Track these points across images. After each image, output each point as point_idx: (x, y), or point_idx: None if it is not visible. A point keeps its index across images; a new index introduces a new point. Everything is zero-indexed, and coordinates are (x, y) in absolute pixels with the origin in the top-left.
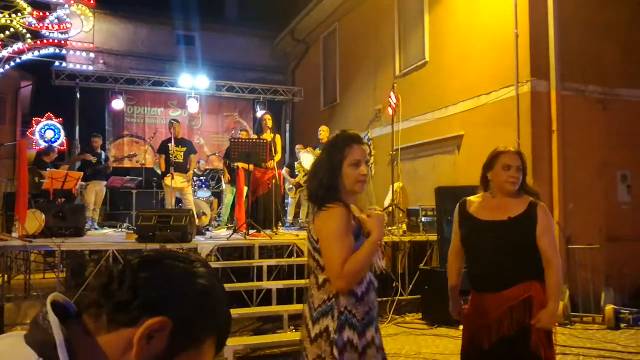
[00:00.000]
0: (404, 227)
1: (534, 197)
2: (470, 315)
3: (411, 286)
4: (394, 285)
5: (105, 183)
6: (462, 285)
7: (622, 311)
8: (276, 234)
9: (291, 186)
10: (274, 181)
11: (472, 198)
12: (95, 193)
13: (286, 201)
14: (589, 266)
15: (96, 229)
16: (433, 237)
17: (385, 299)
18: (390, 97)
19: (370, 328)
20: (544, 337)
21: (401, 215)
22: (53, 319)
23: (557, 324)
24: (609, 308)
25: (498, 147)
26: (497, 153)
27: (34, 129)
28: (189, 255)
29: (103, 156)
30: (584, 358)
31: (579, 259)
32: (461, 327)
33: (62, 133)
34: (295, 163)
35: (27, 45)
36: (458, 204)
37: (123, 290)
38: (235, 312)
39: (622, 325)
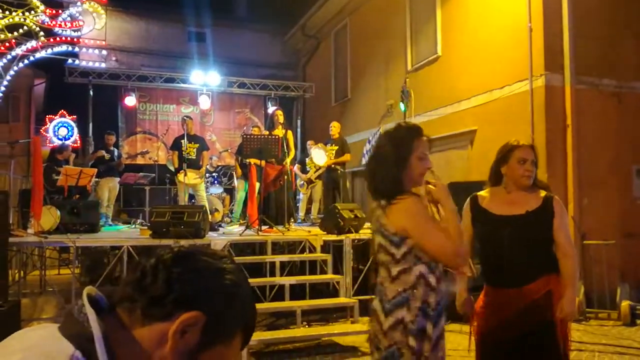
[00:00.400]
0: None
1: (546, 191)
2: (484, 311)
3: None
4: None
5: (118, 179)
6: (472, 281)
7: (637, 307)
8: (288, 230)
9: (302, 182)
10: (285, 177)
11: (481, 193)
12: (109, 189)
13: (297, 197)
14: (604, 262)
15: (110, 225)
16: None
17: None
18: (402, 92)
19: (441, 318)
20: (564, 331)
21: None
22: (90, 312)
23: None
24: (625, 304)
25: (510, 141)
26: (511, 147)
27: (48, 126)
28: (216, 251)
29: (116, 153)
30: (600, 354)
31: (594, 255)
32: (475, 323)
33: (76, 130)
34: (307, 159)
35: (40, 43)
36: (469, 199)
37: (157, 285)
38: None
39: (638, 322)
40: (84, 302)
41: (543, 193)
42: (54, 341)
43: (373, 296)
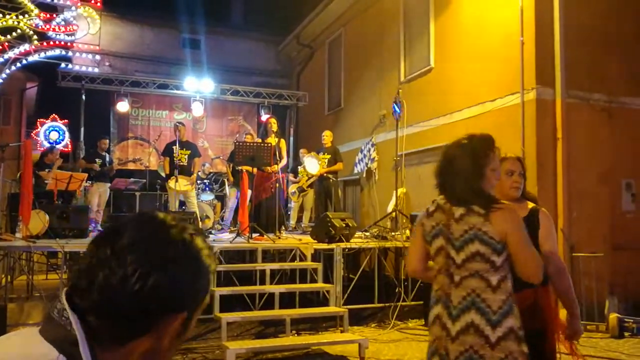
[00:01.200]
0: (408, 232)
1: (534, 203)
2: None
3: (414, 292)
4: (397, 290)
5: (109, 185)
6: None
7: (625, 320)
8: (279, 238)
9: (294, 190)
10: (277, 185)
11: None
12: (99, 194)
13: (289, 205)
14: (593, 274)
15: (99, 230)
16: None
17: (387, 304)
18: (394, 103)
19: None
20: (551, 343)
21: (404, 220)
22: (73, 316)
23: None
24: (613, 316)
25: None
26: None
27: (39, 130)
28: (172, 222)
29: (107, 158)
30: None
31: (583, 267)
32: None
33: (67, 134)
34: (299, 167)
35: (33, 47)
36: None
37: (128, 303)
38: (237, 315)
39: (626, 334)
40: (64, 306)
41: (530, 205)
42: (36, 345)
43: (364, 306)
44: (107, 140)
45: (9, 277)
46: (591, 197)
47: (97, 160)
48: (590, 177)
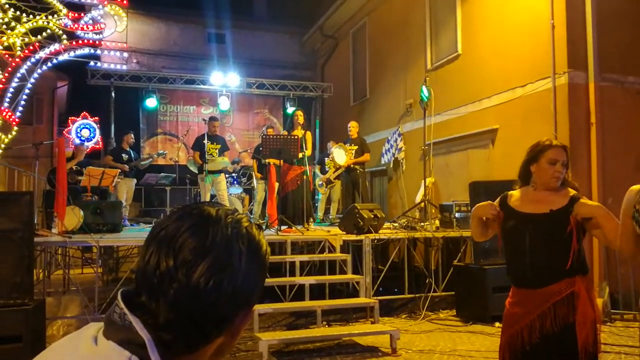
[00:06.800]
0: (437, 222)
1: (575, 191)
2: (510, 313)
3: (444, 282)
4: (427, 281)
5: (134, 180)
6: (502, 282)
7: None
8: (307, 230)
9: (321, 182)
10: (304, 177)
11: (512, 192)
12: (127, 189)
13: (316, 197)
14: (630, 262)
15: (131, 224)
16: (467, 233)
17: (418, 295)
18: (421, 91)
19: None
20: (591, 334)
21: (434, 210)
22: (135, 320)
23: (602, 323)
24: None
25: (542, 140)
26: (542, 147)
27: (70, 127)
28: (221, 224)
29: (132, 154)
30: (626, 356)
31: (619, 255)
32: (497, 324)
33: (98, 132)
34: (326, 159)
35: (62, 46)
36: (499, 198)
37: (209, 315)
38: (268, 307)
39: None
40: (124, 310)
41: (572, 192)
42: (106, 345)
43: (394, 297)
44: (132, 135)
45: (46, 271)
46: (627, 183)
47: (123, 155)
48: (626, 163)
